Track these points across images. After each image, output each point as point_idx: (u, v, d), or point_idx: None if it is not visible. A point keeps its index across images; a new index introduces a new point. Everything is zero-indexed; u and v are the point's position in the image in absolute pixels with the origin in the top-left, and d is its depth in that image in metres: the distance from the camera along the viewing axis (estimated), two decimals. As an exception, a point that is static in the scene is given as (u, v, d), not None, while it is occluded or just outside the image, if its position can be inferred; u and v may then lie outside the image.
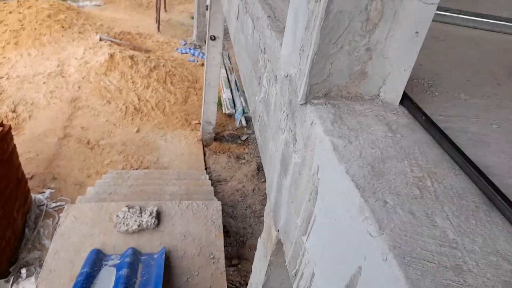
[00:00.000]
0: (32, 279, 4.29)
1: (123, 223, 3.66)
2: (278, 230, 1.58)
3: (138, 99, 8.17)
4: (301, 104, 1.19)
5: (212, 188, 5.19)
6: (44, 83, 7.84)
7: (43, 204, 5.61)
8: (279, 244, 1.66)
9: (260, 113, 1.88)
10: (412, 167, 0.95)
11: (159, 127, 7.81)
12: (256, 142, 8.55)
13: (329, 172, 1.01)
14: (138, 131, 7.58)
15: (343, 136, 1.03)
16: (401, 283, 0.69)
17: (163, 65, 9.04)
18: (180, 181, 5.55)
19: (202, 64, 10.47)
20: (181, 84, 8.99)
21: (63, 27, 9.83)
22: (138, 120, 7.84)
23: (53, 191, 5.91)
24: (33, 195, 5.61)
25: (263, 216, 6.85)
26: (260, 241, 2.09)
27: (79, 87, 7.96)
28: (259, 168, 7.53)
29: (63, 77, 8.02)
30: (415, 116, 1.16)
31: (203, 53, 11.05)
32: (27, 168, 6.19)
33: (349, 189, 0.88)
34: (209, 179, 6.30)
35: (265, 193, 7.38)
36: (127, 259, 3.21)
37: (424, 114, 1.13)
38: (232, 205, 6.60)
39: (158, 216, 3.87)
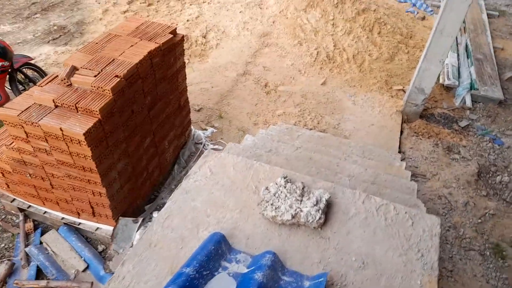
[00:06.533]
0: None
1: (271, 204, 2.26)
2: None
3: (334, 45, 6.60)
4: None
5: (415, 184, 3.30)
6: (240, 12, 7.10)
7: (201, 143, 4.87)
8: None
9: None
10: None
11: (350, 84, 6.13)
12: (480, 135, 5.88)
13: None
14: (324, 83, 6.09)
15: None
16: None
17: (374, 10, 7.11)
18: (364, 160, 3.84)
19: (423, 18, 8.02)
20: (390, 37, 6.94)
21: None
22: (327, 70, 6.32)
23: (215, 131, 5.11)
24: (193, 130, 4.91)
25: (473, 249, 4.41)
26: None
27: (273, 22, 6.92)
28: (480, 174, 5.05)
29: (260, 8, 7.11)
30: None
31: (426, 5, 8.51)
32: (199, 99, 5.56)
33: None
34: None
35: (484, 215, 4.95)
36: (261, 273, 1.80)
37: None
38: (426, 213, 4.51)
39: (327, 208, 2.33)
